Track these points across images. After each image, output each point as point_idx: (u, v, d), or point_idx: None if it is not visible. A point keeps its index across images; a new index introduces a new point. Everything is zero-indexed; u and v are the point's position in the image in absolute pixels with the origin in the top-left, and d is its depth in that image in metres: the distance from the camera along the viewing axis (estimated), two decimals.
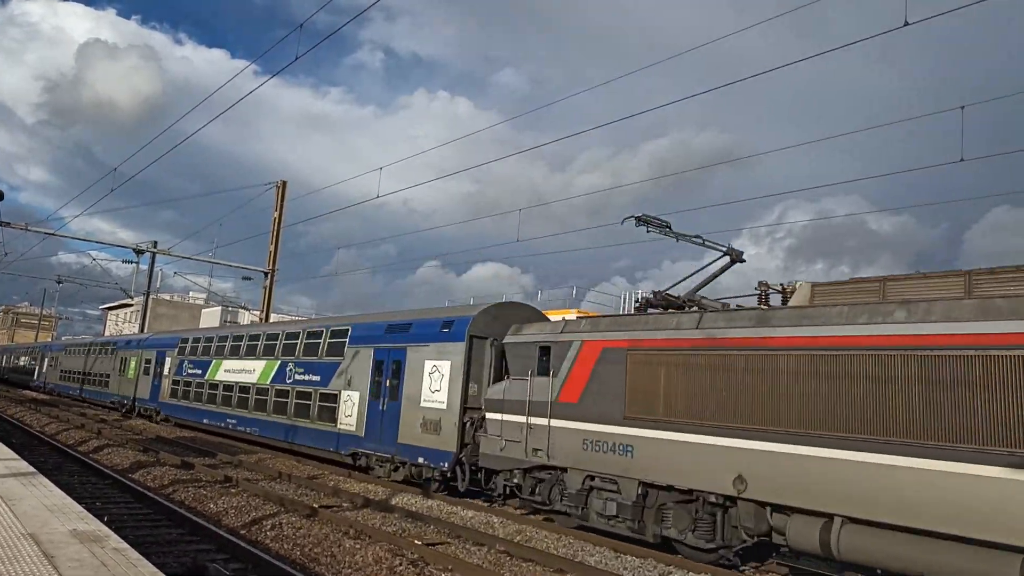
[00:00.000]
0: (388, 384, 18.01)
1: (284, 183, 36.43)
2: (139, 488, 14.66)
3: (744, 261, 13.34)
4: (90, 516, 7.89)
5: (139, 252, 37.95)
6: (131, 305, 78.82)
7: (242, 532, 11.78)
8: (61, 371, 48.48)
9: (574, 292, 37.80)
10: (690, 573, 11.00)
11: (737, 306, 12.75)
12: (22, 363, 66.06)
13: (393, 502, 15.27)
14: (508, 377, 15.00)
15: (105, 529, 7.34)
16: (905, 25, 9.25)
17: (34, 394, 50.21)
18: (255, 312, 43.18)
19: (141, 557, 6.34)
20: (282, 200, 36.19)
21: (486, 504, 15.68)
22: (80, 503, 8.69)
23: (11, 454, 12.59)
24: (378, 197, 23.04)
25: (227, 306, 66.61)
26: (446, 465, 15.88)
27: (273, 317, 39.02)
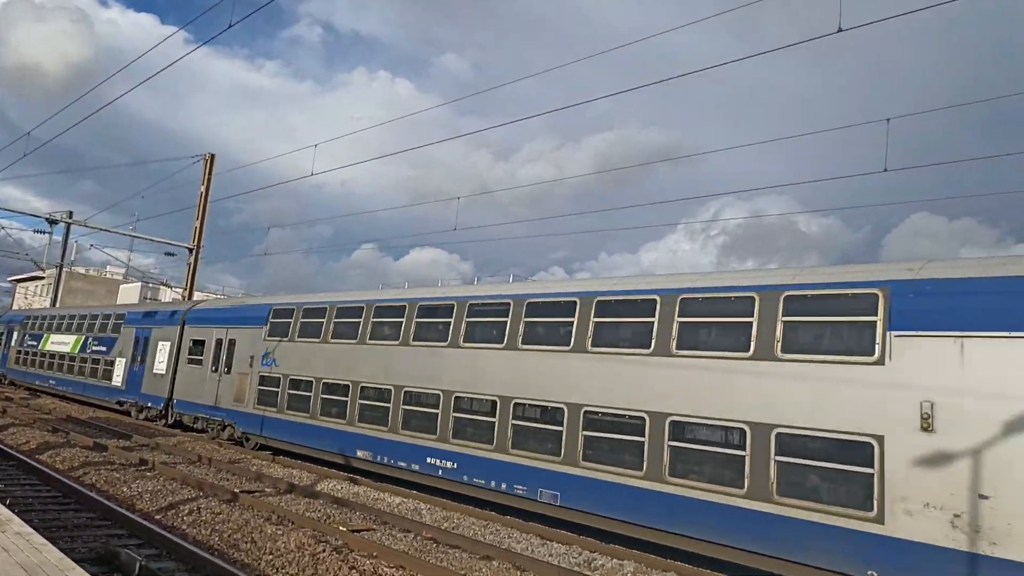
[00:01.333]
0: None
1: (212, 156, 35.12)
2: (46, 470, 13.91)
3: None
4: None
5: (52, 222, 35.97)
6: (43, 278, 74.78)
7: (157, 517, 11.33)
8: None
9: (511, 280, 37.81)
10: (614, 560, 11.20)
11: None
12: None
13: (318, 488, 14.98)
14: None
15: (7, 512, 6.92)
16: (839, 31, 9.57)
17: None
18: (177, 289, 41.59)
19: (46, 542, 6.01)
20: (209, 174, 34.90)
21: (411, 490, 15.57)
22: None
23: None
24: (312, 175, 22.43)
25: (147, 282, 63.95)
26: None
27: (197, 295, 37.63)
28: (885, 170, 12.70)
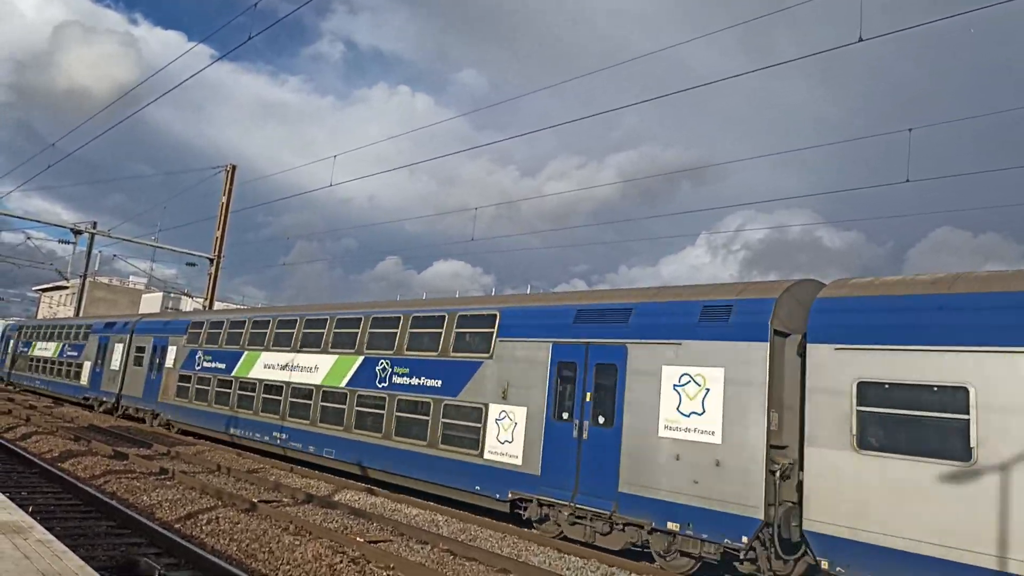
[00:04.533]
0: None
1: (234, 167, 35.54)
2: (68, 478, 14.05)
3: None
4: (14, 506, 7.51)
5: (77, 232, 36.56)
6: (67, 288, 75.88)
7: (176, 526, 11.38)
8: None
9: (528, 291, 37.74)
10: (632, 573, 11.08)
11: None
12: None
13: (336, 498, 14.99)
14: None
15: (29, 520, 6.99)
16: (860, 41, 9.50)
17: None
18: (198, 299, 42.02)
19: (67, 549, 6.05)
20: (231, 184, 35.29)
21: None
22: (3, 492, 8.27)
23: None
24: (331, 185, 22.68)
25: (169, 292, 64.67)
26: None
27: (218, 306, 37.97)
28: (907, 180, 12.56)
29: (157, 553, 9.51)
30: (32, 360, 39.96)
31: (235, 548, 10.38)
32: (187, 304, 71.34)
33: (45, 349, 38.21)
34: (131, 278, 79.28)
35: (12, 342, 44.91)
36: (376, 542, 11.28)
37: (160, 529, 10.50)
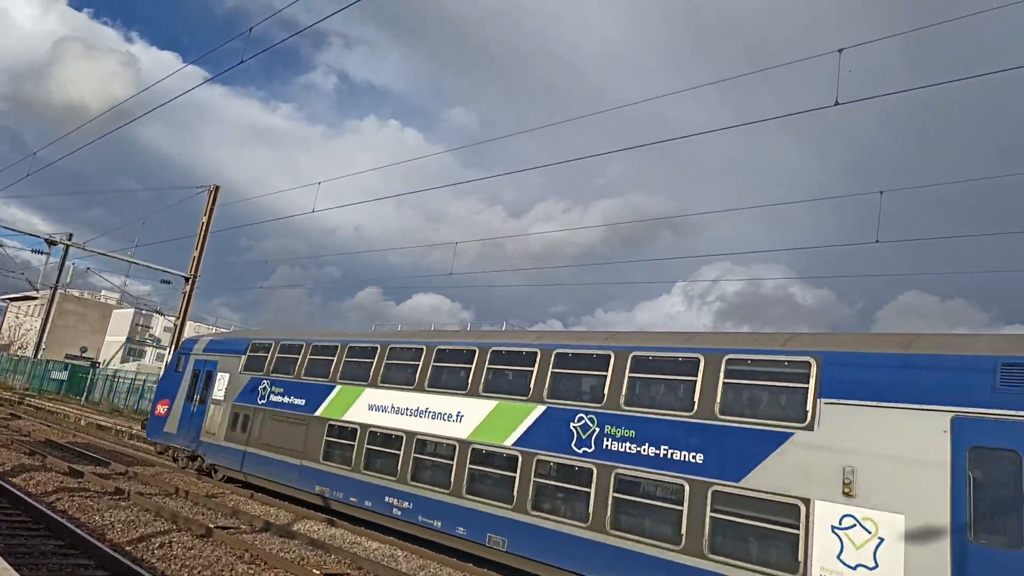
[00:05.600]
0: None
1: (217, 188, 35.45)
2: (18, 493, 13.63)
3: None
4: None
5: (51, 243, 36.06)
6: (36, 298, 74.55)
7: (127, 549, 11.07)
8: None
9: (503, 327, 37.77)
10: None
11: None
12: None
13: (295, 528, 14.69)
14: None
15: None
16: (836, 104, 9.84)
17: None
18: (171, 317, 41.45)
19: (9, 567, 5.87)
20: (213, 205, 35.16)
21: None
22: None
23: None
24: (313, 212, 22.63)
25: (141, 308, 63.77)
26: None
27: (191, 327, 37.51)
28: (877, 241, 12.89)
29: None
30: (337, 435, 16.98)
31: (186, 574, 10.11)
32: (158, 322, 70.33)
33: (422, 412, 15.51)
34: (103, 293, 78.14)
35: (225, 377, 20.71)
36: (333, 575, 11.04)
37: (110, 551, 10.20)
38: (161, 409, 22.38)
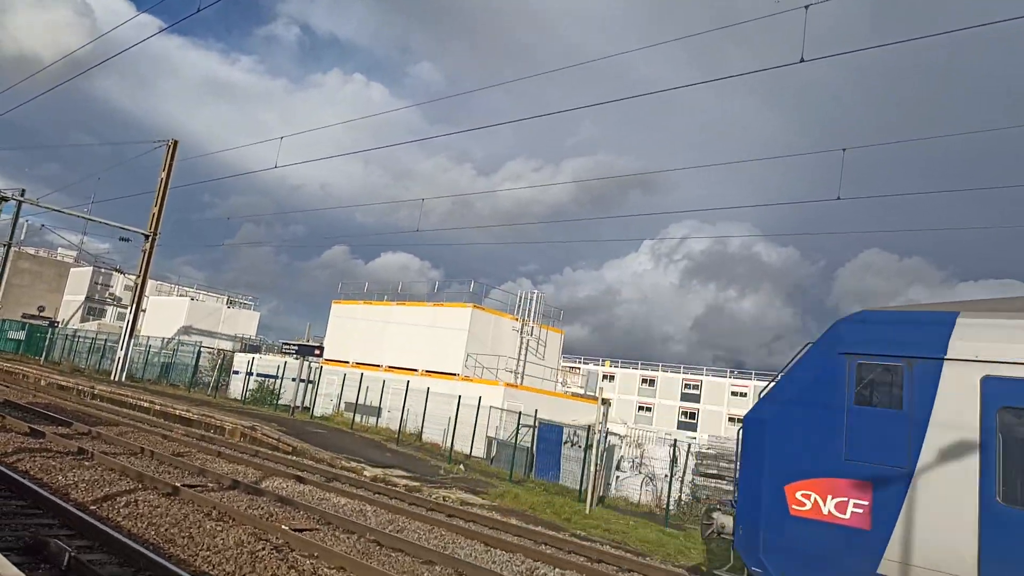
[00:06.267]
0: None
1: (175, 143, 34.46)
2: None
3: None
4: None
5: (3, 199, 34.83)
6: None
7: (92, 508, 11.01)
8: None
9: (471, 287, 37.83)
10: (556, 569, 11.24)
11: None
12: None
13: (263, 486, 14.74)
14: None
15: None
16: (801, 61, 9.86)
17: None
18: (131, 275, 40.63)
19: None
20: (171, 160, 34.22)
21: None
22: None
23: None
24: (276, 167, 22.17)
25: (100, 267, 62.29)
26: None
27: (152, 285, 36.83)
28: (838, 198, 13.08)
29: (69, 535, 9.19)
30: None
31: (153, 533, 10.10)
32: (119, 281, 68.82)
33: None
34: (60, 251, 76.03)
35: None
36: (301, 530, 11.14)
37: (73, 510, 10.14)
38: (803, 500, 8.34)
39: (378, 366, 37.37)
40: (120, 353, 38.20)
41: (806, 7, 10.00)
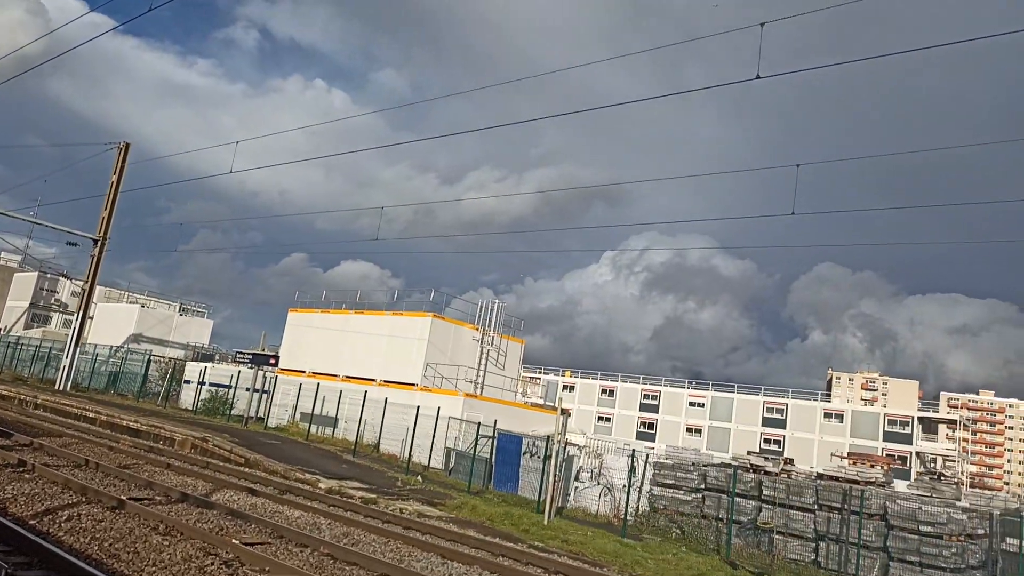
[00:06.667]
0: None
1: (127, 145, 33.60)
2: None
3: None
4: None
5: None
6: None
7: (31, 523, 10.55)
8: None
9: (431, 296, 37.58)
10: None
11: None
12: None
13: (214, 498, 14.34)
14: None
15: None
16: (758, 78, 10.06)
17: None
18: (78, 281, 39.37)
19: None
20: (123, 163, 33.35)
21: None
22: None
23: None
24: (231, 172, 21.74)
25: (45, 272, 60.26)
26: None
27: (101, 292, 35.72)
28: (793, 213, 13.36)
29: (6, 551, 8.78)
30: None
31: (96, 548, 9.73)
32: (65, 287, 66.65)
33: None
34: (2, 255, 73.32)
35: None
36: (252, 544, 10.85)
37: (11, 525, 9.70)
38: None
39: (335, 376, 36.85)
40: (65, 361, 36.92)
41: (761, 25, 10.22)
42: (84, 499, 12.44)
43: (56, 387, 36.43)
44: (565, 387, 76.59)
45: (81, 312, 36.46)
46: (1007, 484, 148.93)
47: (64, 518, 10.95)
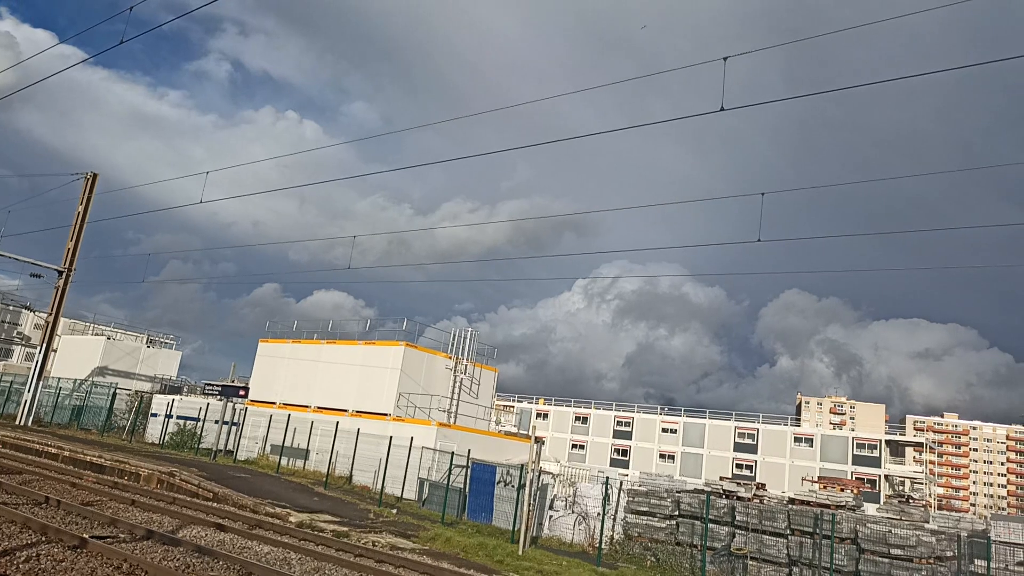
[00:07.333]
0: None
1: (95, 175, 33.20)
2: None
3: None
4: None
5: None
6: None
7: None
8: None
9: (404, 325, 37.38)
10: None
11: None
12: None
13: (180, 535, 14.00)
14: None
15: None
16: (721, 110, 10.34)
17: None
18: (42, 313, 38.51)
19: None
20: (90, 193, 32.93)
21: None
22: None
23: None
24: (201, 203, 21.60)
25: (8, 304, 58.87)
26: None
27: (65, 324, 34.94)
28: (759, 240, 13.64)
29: None
30: None
31: None
32: (28, 319, 65.19)
33: None
34: None
35: None
36: None
37: None
38: None
39: (306, 407, 36.35)
40: (27, 396, 35.95)
41: (724, 59, 10.53)
42: (44, 538, 12.07)
43: (17, 422, 35.40)
44: (539, 415, 76.33)
45: (45, 345, 35.63)
46: (973, 505, 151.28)
47: (23, 559, 10.61)
